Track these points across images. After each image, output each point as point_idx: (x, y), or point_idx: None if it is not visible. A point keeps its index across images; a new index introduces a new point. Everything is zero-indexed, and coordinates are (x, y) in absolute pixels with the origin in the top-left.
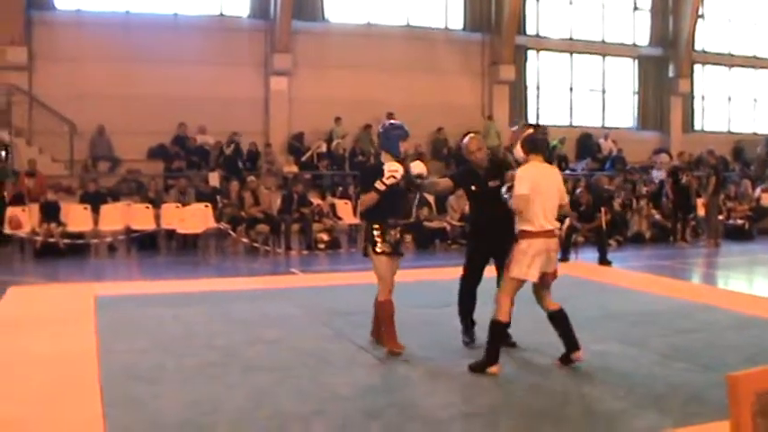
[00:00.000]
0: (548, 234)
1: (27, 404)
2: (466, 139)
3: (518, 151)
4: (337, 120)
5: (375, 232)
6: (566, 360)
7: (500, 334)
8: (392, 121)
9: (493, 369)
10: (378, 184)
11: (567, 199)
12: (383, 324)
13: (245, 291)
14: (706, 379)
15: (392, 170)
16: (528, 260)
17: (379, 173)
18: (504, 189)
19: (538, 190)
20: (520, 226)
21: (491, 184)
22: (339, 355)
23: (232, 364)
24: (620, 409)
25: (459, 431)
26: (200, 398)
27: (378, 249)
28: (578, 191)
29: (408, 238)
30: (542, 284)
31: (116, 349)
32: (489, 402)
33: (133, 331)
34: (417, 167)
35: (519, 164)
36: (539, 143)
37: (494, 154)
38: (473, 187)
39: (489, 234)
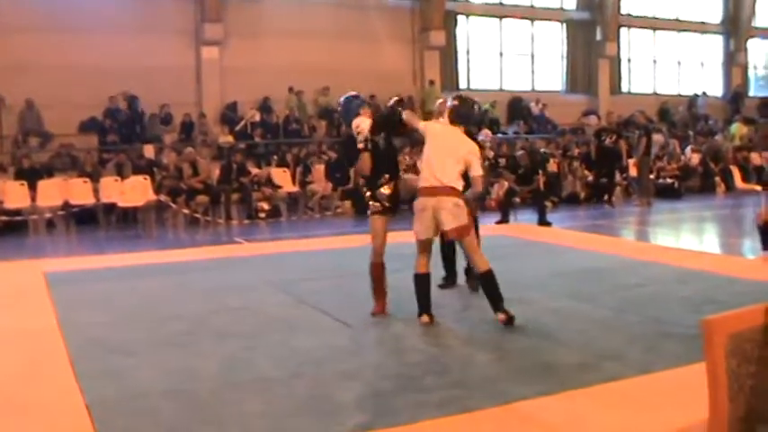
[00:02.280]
0: (430, 191)
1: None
2: (438, 102)
3: (444, 121)
4: (298, 92)
5: (367, 194)
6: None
7: (418, 285)
8: (349, 94)
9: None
10: (360, 146)
11: (478, 171)
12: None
13: (195, 261)
14: (659, 330)
15: (356, 126)
16: (416, 217)
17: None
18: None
19: (432, 146)
20: None
21: None
22: (304, 320)
23: (201, 332)
24: (581, 362)
25: (431, 387)
26: (177, 367)
27: (369, 211)
28: (518, 154)
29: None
30: (448, 240)
31: (79, 323)
32: (456, 360)
33: (92, 305)
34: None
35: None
36: (462, 116)
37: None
38: None
39: None
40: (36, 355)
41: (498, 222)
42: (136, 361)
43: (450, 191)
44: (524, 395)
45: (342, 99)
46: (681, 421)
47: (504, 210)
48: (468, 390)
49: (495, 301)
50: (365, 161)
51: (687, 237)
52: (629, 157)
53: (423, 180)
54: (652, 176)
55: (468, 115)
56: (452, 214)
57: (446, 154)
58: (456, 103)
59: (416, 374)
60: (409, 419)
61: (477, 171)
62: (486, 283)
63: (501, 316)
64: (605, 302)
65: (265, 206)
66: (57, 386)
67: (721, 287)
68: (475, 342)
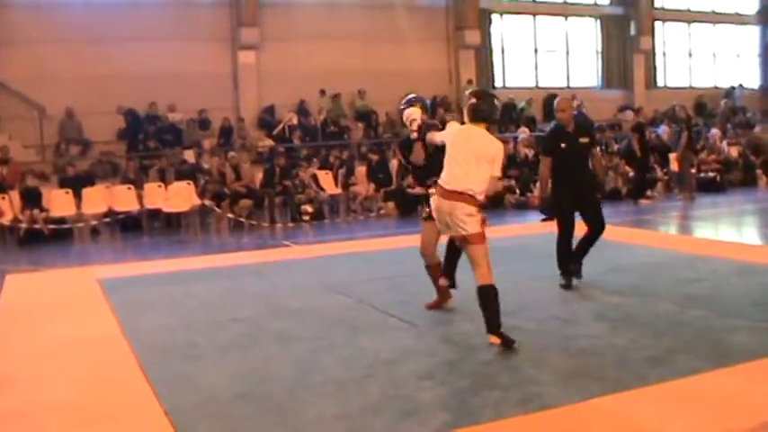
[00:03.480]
0: (447, 194)
1: (77, 388)
2: (557, 99)
3: (465, 117)
4: (335, 95)
5: (423, 200)
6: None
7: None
8: (410, 96)
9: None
10: (413, 135)
11: (497, 173)
12: None
13: (247, 265)
14: (725, 324)
15: (408, 115)
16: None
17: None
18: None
19: (455, 149)
20: None
21: (582, 140)
22: (368, 321)
23: (264, 335)
24: (653, 357)
25: (508, 383)
26: (246, 370)
27: (423, 215)
28: None
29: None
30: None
31: (141, 329)
32: (527, 358)
33: (150, 310)
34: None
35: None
36: (481, 113)
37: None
38: (563, 144)
39: (575, 189)
40: (105, 361)
41: (544, 220)
42: (204, 365)
43: (468, 198)
44: (601, 391)
45: (404, 101)
46: (765, 415)
47: (549, 207)
48: (545, 387)
49: (491, 320)
50: (418, 151)
51: (736, 230)
52: (669, 151)
53: (443, 181)
54: (693, 171)
55: (489, 111)
56: (461, 221)
57: (471, 157)
58: (475, 100)
59: (491, 372)
60: (493, 417)
61: (495, 172)
62: (486, 298)
63: (494, 339)
64: (668, 297)
65: (309, 209)
66: (131, 393)
67: None
68: (543, 339)
